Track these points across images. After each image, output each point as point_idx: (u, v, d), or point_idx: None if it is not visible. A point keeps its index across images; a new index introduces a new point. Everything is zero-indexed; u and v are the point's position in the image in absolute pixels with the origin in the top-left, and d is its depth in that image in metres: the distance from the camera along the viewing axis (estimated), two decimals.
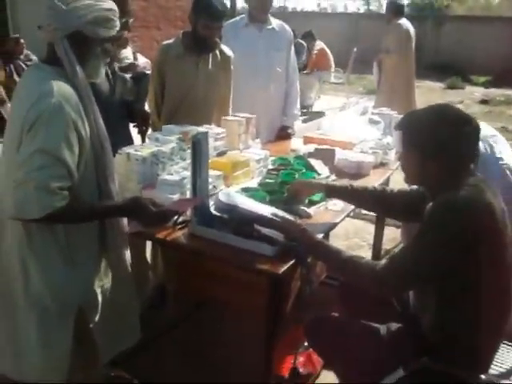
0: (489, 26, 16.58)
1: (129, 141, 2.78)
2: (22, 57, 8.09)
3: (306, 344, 2.52)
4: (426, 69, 14.16)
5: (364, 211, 4.65)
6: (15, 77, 7.81)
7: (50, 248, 1.81)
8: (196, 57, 3.11)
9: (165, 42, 3.21)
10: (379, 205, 2.33)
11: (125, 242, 2.10)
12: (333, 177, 2.76)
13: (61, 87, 1.72)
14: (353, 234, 4.54)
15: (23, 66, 7.94)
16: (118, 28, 1.89)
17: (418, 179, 1.93)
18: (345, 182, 2.65)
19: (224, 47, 3.27)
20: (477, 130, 1.79)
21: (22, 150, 1.68)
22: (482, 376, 1.83)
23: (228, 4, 11.61)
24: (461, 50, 16.10)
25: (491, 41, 15.65)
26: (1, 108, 7.47)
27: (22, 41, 8.09)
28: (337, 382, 2.18)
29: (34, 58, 8.03)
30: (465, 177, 1.78)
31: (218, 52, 3.20)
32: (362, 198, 2.33)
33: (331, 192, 2.35)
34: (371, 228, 4.06)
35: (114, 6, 1.86)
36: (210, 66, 3.16)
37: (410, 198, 2.17)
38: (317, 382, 2.62)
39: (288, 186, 2.40)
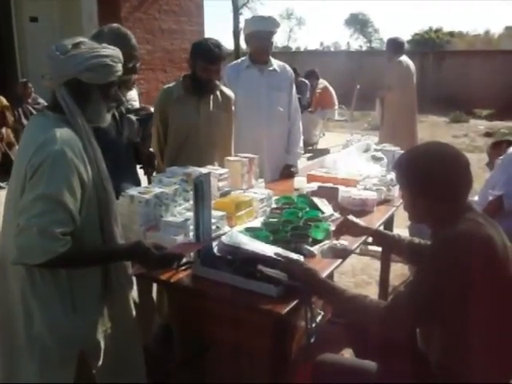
0: (490, 59, 16.73)
1: (136, 183, 2.81)
2: (29, 100, 8.25)
3: None
4: (429, 103, 14.25)
5: (370, 247, 4.68)
6: (23, 120, 7.97)
7: (51, 291, 1.81)
8: (197, 99, 3.17)
9: (166, 86, 3.28)
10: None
11: (129, 283, 2.11)
12: (336, 214, 2.76)
13: (63, 134, 1.76)
14: (360, 271, 4.50)
15: (31, 109, 8.11)
16: (119, 73, 1.92)
17: (416, 217, 1.93)
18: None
19: (224, 88, 3.33)
20: (466, 165, 1.80)
21: (25, 195, 1.71)
22: None
23: (232, 46, 11.85)
24: (463, 84, 16.22)
25: (493, 74, 15.76)
26: (9, 151, 7.58)
27: (29, 85, 8.27)
28: None
29: (42, 101, 8.19)
30: (462, 212, 1.78)
31: (218, 93, 3.26)
32: (406, 251, 2.29)
33: (378, 238, 2.39)
34: (378, 264, 4.03)
35: (115, 52, 1.90)
36: (211, 108, 3.21)
37: None
38: None
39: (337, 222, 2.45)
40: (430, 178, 1.78)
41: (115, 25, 2.71)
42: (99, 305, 1.94)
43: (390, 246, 2.41)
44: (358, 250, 4.52)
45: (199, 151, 3.15)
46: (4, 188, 7.03)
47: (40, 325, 1.81)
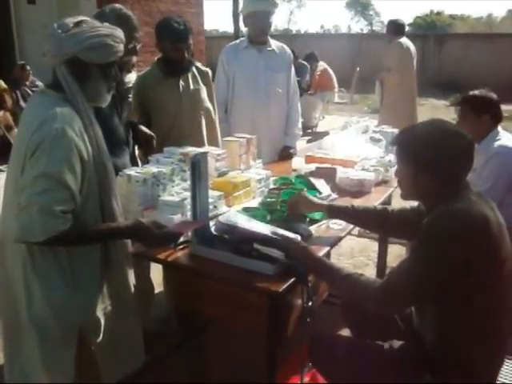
0: (491, 42, 16.61)
1: (135, 164, 2.80)
2: (27, 83, 8.21)
3: (310, 364, 2.50)
4: (429, 86, 14.19)
5: None
6: (21, 103, 7.94)
7: (52, 270, 1.83)
8: (176, 79, 3.12)
9: (140, 74, 3.16)
10: (380, 225, 2.31)
11: (128, 260, 2.12)
12: (334, 195, 2.76)
13: (64, 112, 1.76)
14: (358, 253, 4.52)
15: (29, 92, 8.06)
16: (120, 53, 1.91)
17: (412, 194, 1.92)
18: (346, 201, 2.66)
19: (199, 64, 3.31)
20: (470, 144, 1.79)
21: (26, 174, 1.72)
22: None
23: (232, 28, 11.75)
24: (464, 68, 16.13)
25: (494, 57, 15.66)
26: (8, 134, 7.56)
27: (27, 67, 8.22)
28: None
29: (40, 84, 8.14)
30: (460, 190, 1.78)
31: (195, 70, 3.22)
32: (363, 218, 2.32)
33: (332, 212, 2.34)
34: (376, 246, 4.04)
35: (116, 32, 1.88)
36: (191, 86, 3.18)
37: (410, 216, 2.16)
38: None
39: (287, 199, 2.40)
40: (436, 152, 1.76)
41: (117, 5, 2.68)
42: (99, 282, 1.95)
43: (346, 217, 2.35)
44: (356, 232, 4.55)
45: (187, 132, 3.11)
46: (3, 171, 7.04)
47: (41, 302, 1.83)
